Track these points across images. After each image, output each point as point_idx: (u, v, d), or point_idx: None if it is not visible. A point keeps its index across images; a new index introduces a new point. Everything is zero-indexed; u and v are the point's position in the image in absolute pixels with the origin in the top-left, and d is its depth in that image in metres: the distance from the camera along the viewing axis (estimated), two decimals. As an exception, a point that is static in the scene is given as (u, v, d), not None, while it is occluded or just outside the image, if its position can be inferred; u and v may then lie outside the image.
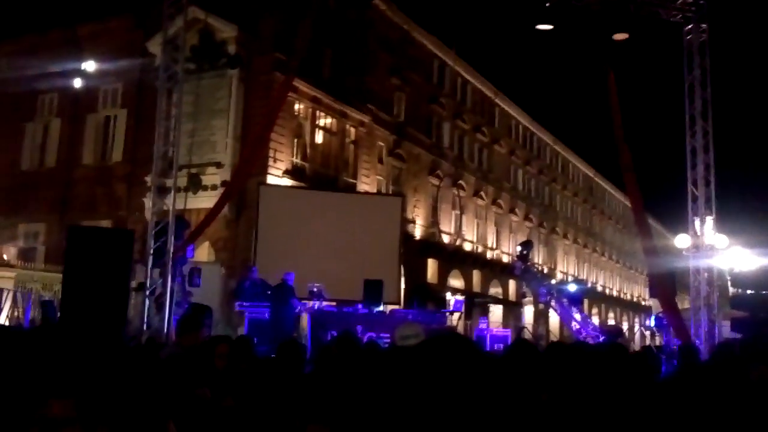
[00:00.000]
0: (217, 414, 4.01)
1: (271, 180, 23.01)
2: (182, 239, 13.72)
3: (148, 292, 12.72)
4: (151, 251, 12.89)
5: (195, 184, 21.51)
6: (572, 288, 22.81)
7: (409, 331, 4.49)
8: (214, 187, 21.91)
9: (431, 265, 32.47)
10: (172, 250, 12.94)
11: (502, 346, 16.49)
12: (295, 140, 25.13)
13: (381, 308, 16.49)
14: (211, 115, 23.46)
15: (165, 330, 12.43)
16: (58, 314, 12.16)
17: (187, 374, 4.44)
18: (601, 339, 18.35)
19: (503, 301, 38.03)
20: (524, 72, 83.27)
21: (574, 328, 21.34)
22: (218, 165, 23.12)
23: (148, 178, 15.93)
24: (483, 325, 20.81)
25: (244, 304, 14.67)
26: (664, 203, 73.39)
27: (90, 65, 25.01)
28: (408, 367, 1.70)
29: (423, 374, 1.67)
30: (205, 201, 19.71)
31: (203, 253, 23.08)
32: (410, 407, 1.65)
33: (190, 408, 3.95)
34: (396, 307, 20.43)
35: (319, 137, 26.53)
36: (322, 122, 26.52)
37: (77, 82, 25.60)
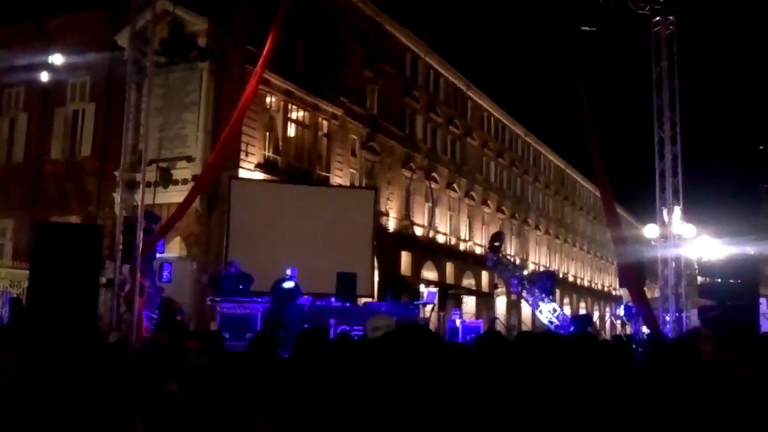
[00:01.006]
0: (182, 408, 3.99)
1: (243, 174, 22.87)
2: (152, 234, 13.61)
3: (117, 288, 12.60)
4: (120, 247, 12.77)
5: (165, 179, 21.33)
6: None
7: (380, 323, 4.51)
8: (185, 182, 21.74)
9: (405, 257, 32.55)
10: (141, 245, 12.82)
11: (474, 336, 16.59)
12: (267, 133, 24.99)
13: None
14: (181, 109, 23.23)
15: (135, 326, 12.33)
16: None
17: (155, 370, 4.41)
18: (572, 329, 18.56)
19: (476, 292, 38.28)
20: (496, 65, 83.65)
21: (545, 319, 21.55)
22: (189, 159, 22.92)
23: (117, 173, 15.75)
24: (456, 317, 20.98)
25: (216, 299, 14.58)
26: (633, 194, 74.25)
27: (58, 58, 24.58)
28: (374, 358, 1.71)
29: (387, 365, 1.68)
30: (176, 195, 19.55)
31: (174, 248, 22.90)
32: (376, 398, 1.66)
33: (158, 404, 3.93)
34: (370, 299, 20.47)
35: (292, 130, 26.40)
36: (294, 115, 26.39)
37: (44, 76, 25.16)
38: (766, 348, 3.21)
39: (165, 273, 14.73)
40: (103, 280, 12.81)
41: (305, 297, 15.07)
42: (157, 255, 14.35)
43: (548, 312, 21.25)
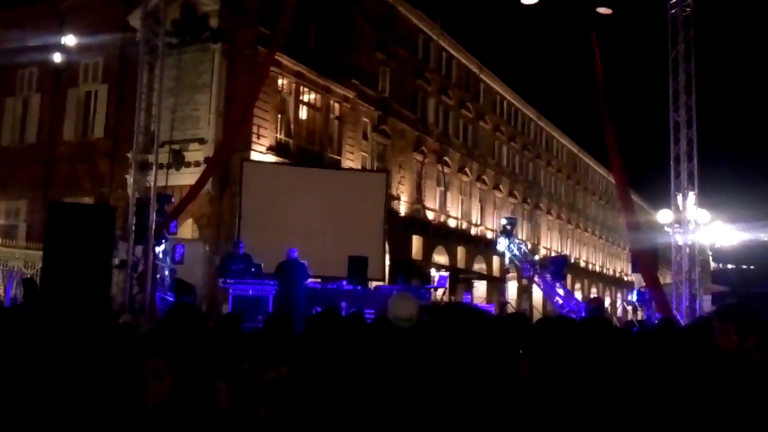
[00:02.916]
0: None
1: (254, 156, 22.86)
2: (164, 216, 13.63)
3: (130, 269, 12.64)
4: (133, 228, 12.80)
5: (178, 161, 21.34)
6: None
7: (404, 312, 4.39)
8: (197, 164, 21.76)
9: (416, 241, 32.54)
10: (154, 226, 12.84)
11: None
12: (279, 116, 24.95)
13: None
14: (193, 90, 23.21)
15: (148, 307, 12.39)
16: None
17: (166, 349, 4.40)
18: (583, 314, 18.49)
19: (487, 276, 38.25)
20: (509, 47, 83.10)
21: (557, 304, 21.49)
22: (201, 141, 22.93)
23: (130, 155, 15.76)
24: (467, 301, 20.93)
25: (228, 281, 14.61)
26: (647, 179, 73.91)
27: (70, 39, 24.58)
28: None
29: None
30: (188, 178, 19.55)
31: (187, 230, 22.98)
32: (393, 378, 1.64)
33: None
34: (381, 283, 20.48)
35: (303, 113, 26.34)
36: (306, 98, 26.31)
37: (57, 57, 25.18)
38: None
39: (177, 255, 14.76)
40: (116, 261, 12.86)
41: (314, 280, 15.03)
42: (170, 236, 14.36)
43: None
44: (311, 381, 3.12)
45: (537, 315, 23.29)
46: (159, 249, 13.54)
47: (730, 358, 3.15)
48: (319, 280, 17.16)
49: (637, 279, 37.33)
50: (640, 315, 25.00)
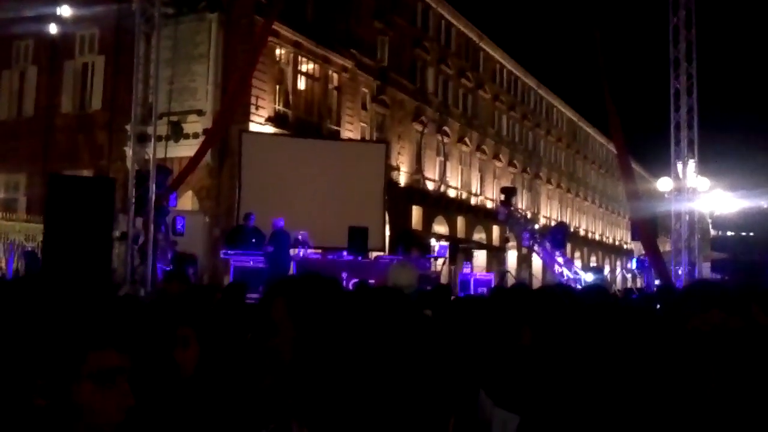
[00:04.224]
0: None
1: (253, 127, 22.77)
2: (164, 188, 13.63)
3: (131, 241, 12.68)
4: (133, 200, 12.81)
5: (176, 133, 21.26)
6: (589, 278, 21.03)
7: (402, 280, 4.47)
8: (195, 136, 21.67)
9: (416, 211, 32.56)
10: (153, 198, 12.85)
11: (485, 290, 16.68)
12: (277, 87, 24.80)
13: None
14: (190, 61, 23.03)
15: (149, 279, 12.44)
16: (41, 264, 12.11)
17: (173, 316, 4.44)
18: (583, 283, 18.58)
19: (487, 246, 38.35)
20: (509, 15, 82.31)
21: (557, 272, 21.60)
22: (199, 113, 22.81)
23: (128, 127, 15.71)
24: (467, 270, 21.03)
25: (229, 252, 14.66)
26: (647, 147, 73.77)
27: (66, 10, 24.30)
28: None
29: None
30: (187, 149, 19.47)
31: (186, 202, 22.97)
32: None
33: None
34: (381, 253, 20.55)
35: (302, 83, 26.18)
36: (304, 68, 26.13)
37: (53, 28, 24.92)
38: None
39: (178, 226, 14.80)
40: (117, 233, 12.89)
41: (315, 251, 15.07)
42: (170, 209, 14.38)
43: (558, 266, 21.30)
44: (315, 349, 3.14)
45: (537, 284, 23.39)
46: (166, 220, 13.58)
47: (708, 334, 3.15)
48: (319, 251, 17.21)
49: (636, 247, 37.47)
50: (639, 282, 25.12)
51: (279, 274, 13.32)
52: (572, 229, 48.98)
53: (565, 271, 21.10)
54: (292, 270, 14.26)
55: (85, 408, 1.46)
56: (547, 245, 22.01)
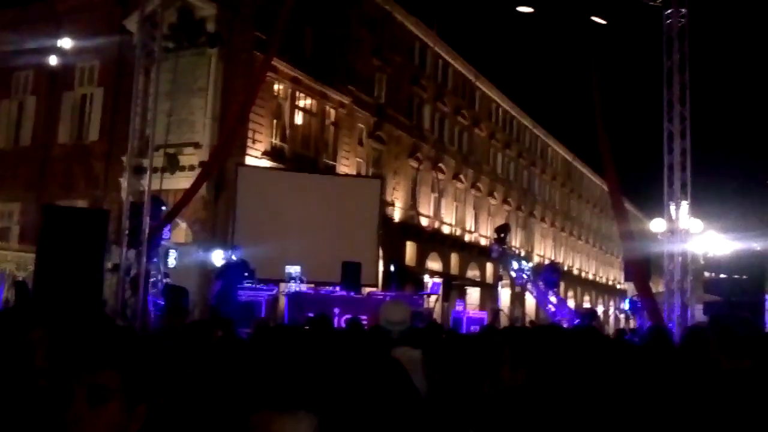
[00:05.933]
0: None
1: (249, 161, 22.86)
2: (159, 220, 13.62)
3: (123, 273, 12.62)
4: (127, 232, 12.78)
5: (172, 165, 21.28)
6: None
7: (396, 316, 4.46)
8: (191, 168, 21.71)
9: (410, 247, 32.54)
10: (147, 230, 12.83)
11: (478, 328, 16.61)
12: (275, 121, 24.96)
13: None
14: (189, 94, 23.21)
15: (140, 312, 12.36)
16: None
17: (180, 353, 4.41)
18: (576, 322, 18.53)
19: (480, 283, 38.26)
20: (505, 55, 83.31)
21: (549, 311, 21.54)
22: (196, 145, 22.92)
23: (125, 158, 15.75)
24: (460, 308, 21.01)
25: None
26: (640, 188, 74.14)
27: (66, 42, 24.53)
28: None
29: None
30: (183, 182, 19.52)
31: (180, 234, 22.93)
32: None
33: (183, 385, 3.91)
34: (374, 289, 20.50)
35: (299, 118, 26.36)
36: (302, 103, 26.34)
37: (53, 59, 25.13)
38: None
39: (171, 259, 14.75)
40: (109, 265, 12.83)
41: (308, 285, 14.97)
42: (163, 241, 14.34)
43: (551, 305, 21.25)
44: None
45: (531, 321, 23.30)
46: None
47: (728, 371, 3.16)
48: (312, 285, 17.16)
49: (629, 287, 37.38)
50: (632, 323, 25.01)
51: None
52: (566, 268, 48.97)
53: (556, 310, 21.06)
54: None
55: None
56: (540, 284, 21.99)
